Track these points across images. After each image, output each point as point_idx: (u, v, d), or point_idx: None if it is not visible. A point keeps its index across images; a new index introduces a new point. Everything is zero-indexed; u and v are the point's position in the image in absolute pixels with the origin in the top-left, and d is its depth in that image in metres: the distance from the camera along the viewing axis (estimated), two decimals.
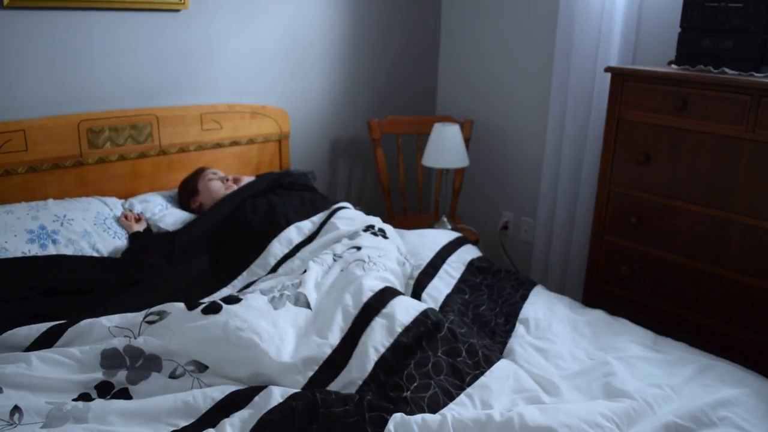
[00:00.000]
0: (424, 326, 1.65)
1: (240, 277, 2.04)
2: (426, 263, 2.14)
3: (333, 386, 1.51)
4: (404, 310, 1.69)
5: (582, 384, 1.61)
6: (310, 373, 1.53)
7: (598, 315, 1.99)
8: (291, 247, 2.12)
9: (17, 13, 2.14)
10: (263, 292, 1.75)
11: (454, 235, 2.39)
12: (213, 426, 1.33)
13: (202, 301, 1.68)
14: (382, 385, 1.51)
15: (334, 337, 1.62)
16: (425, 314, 1.70)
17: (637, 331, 1.89)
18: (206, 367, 1.52)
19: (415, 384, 1.50)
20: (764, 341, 2.06)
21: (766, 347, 2.06)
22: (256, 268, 2.07)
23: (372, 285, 1.78)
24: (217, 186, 2.42)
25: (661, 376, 1.63)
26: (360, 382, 1.51)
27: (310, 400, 1.37)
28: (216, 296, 1.91)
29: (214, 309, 1.62)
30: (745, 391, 1.54)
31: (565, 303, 2.05)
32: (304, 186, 2.54)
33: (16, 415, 1.30)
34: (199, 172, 2.48)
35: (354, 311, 1.69)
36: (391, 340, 1.60)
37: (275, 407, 1.35)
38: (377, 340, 1.60)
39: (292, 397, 1.39)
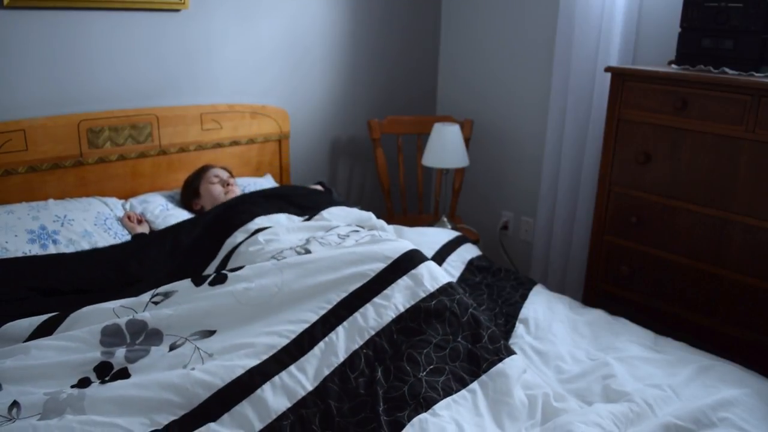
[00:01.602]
0: (447, 297, 1.67)
1: (225, 243, 2.03)
2: None
3: (341, 329, 1.53)
4: (431, 277, 1.71)
5: (582, 386, 1.61)
6: (323, 312, 1.56)
7: (598, 315, 1.99)
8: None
9: (17, 13, 2.14)
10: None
11: (454, 234, 2.39)
12: (213, 420, 1.31)
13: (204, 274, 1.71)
14: (394, 344, 1.53)
15: (354, 283, 1.64)
16: (451, 285, 1.72)
17: (637, 331, 1.89)
18: (213, 332, 1.52)
19: (432, 366, 1.51)
20: (764, 341, 2.06)
21: (766, 347, 2.06)
22: (239, 233, 2.04)
23: (397, 245, 1.80)
24: (218, 191, 2.41)
25: (661, 376, 1.63)
26: (372, 332, 1.54)
27: (323, 409, 1.37)
28: (211, 266, 1.94)
29: (220, 280, 1.65)
30: (746, 392, 1.54)
31: (565, 303, 2.05)
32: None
33: (14, 410, 1.30)
34: (202, 173, 2.47)
35: (382, 264, 1.70)
36: (413, 302, 1.62)
37: (284, 414, 1.34)
38: (399, 298, 1.62)
39: (302, 405, 1.37)
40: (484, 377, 1.53)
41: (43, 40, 2.21)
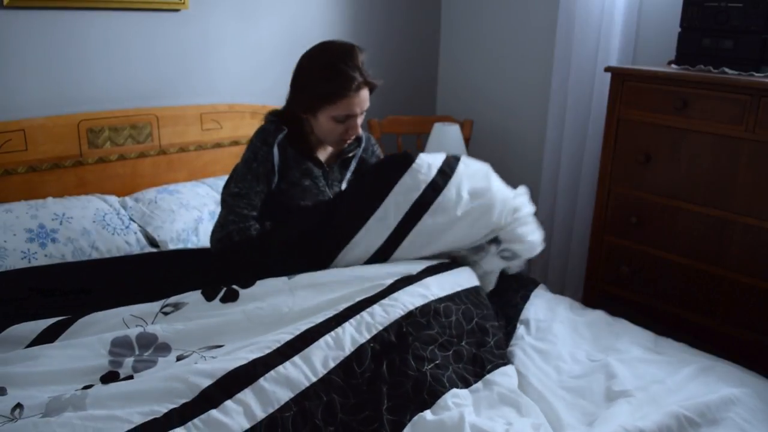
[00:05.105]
0: (454, 304, 1.69)
1: None
2: None
3: (348, 325, 1.53)
4: (439, 288, 1.72)
5: (582, 384, 1.61)
6: (330, 315, 1.56)
7: (598, 316, 1.98)
8: None
9: (17, 13, 2.14)
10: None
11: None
12: (215, 406, 1.30)
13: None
14: (402, 336, 1.53)
15: (363, 294, 1.64)
16: (458, 295, 1.73)
17: (638, 332, 1.88)
18: (221, 347, 1.52)
19: (438, 362, 1.52)
20: (764, 341, 2.06)
21: (766, 347, 2.06)
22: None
23: (411, 267, 1.79)
24: (336, 133, 1.92)
25: (662, 376, 1.63)
26: (380, 327, 1.53)
27: (326, 402, 1.37)
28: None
29: (231, 296, 1.64)
30: (746, 392, 1.54)
31: (565, 304, 2.05)
32: None
33: (17, 411, 1.30)
34: (350, 92, 1.91)
35: (390, 280, 1.70)
36: (422, 303, 1.63)
37: (286, 405, 1.34)
38: (407, 299, 1.63)
39: (305, 396, 1.37)
40: (488, 377, 1.53)
41: (43, 40, 2.21)
